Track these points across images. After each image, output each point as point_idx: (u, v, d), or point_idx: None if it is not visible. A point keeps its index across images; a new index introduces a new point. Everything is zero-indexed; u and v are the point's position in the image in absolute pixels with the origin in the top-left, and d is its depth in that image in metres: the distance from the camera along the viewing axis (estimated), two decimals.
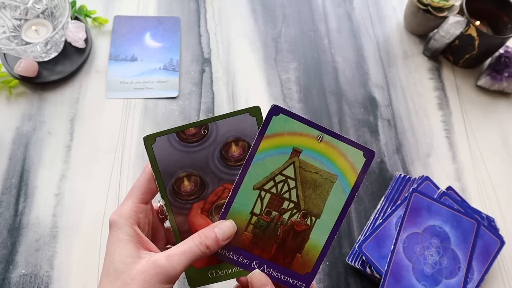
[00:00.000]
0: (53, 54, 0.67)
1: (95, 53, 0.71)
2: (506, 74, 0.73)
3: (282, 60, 0.74)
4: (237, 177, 0.36)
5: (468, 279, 0.55)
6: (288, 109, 0.36)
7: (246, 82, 0.71)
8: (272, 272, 0.36)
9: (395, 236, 0.55)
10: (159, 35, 0.73)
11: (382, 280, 0.53)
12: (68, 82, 0.67)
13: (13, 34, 0.66)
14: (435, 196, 0.59)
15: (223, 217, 0.36)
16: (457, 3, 0.73)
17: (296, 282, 0.36)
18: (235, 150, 0.37)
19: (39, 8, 0.67)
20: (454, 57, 0.76)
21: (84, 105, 0.66)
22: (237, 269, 0.36)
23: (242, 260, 0.36)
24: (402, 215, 0.56)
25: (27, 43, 0.65)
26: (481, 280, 0.55)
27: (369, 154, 0.36)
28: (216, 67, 0.72)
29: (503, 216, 0.64)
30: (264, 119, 0.36)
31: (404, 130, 0.70)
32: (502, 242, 0.58)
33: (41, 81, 0.65)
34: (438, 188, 0.60)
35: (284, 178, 0.36)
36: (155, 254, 0.33)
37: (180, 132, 0.37)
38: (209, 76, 0.71)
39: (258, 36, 0.76)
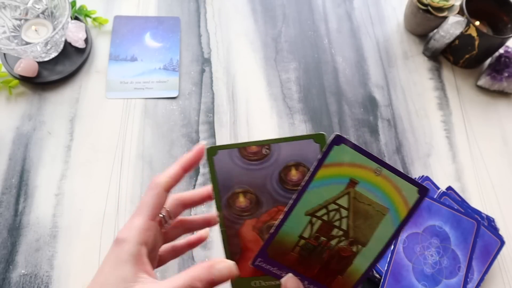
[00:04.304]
0: (53, 54, 0.67)
1: (95, 53, 0.71)
2: (506, 74, 0.73)
3: (282, 60, 0.74)
4: (291, 201, 0.36)
5: (468, 279, 0.55)
6: (348, 139, 0.36)
7: (246, 82, 0.71)
8: None
9: None
10: (159, 35, 0.73)
11: (382, 280, 0.53)
12: (68, 82, 0.67)
13: (13, 34, 0.66)
14: (435, 196, 0.59)
15: (272, 237, 0.36)
16: (457, 3, 0.73)
17: None
18: (294, 174, 0.37)
19: (39, 8, 0.67)
20: (454, 57, 0.76)
21: (84, 105, 0.66)
22: (280, 282, 0.37)
23: (285, 276, 0.37)
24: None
25: (27, 43, 0.65)
26: (481, 280, 0.55)
27: (423, 192, 0.36)
28: (216, 67, 0.72)
29: (503, 216, 0.64)
30: (325, 147, 0.36)
31: (404, 130, 0.70)
32: (502, 242, 0.58)
33: (41, 81, 0.65)
34: (438, 188, 0.60)
35: (337, 207, 0.36)
36: (149, 284, 0.32)
37: (242, 149, 0.37)
38: (209, 76, 0.71)
39: (258, 36, 0.76)
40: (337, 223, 0.36)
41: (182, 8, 0.77)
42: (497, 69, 0.73)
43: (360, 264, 0.37)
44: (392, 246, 0.54)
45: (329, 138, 0.35)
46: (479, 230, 0.56)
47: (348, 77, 0.73)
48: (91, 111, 0.66)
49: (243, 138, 0.66)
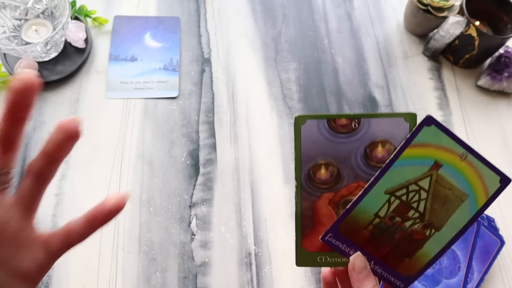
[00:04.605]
0: (53, 54, 0.67)
1: (95, 53, 0.71)
2: (506, 74, 0.72)
3: (282, 60, 0.74)
4: (373, 178, 0.36)
5: (468, 279, 0.55)
6: (439, 121, 0.35)
7: (246, 82, 0.71)
8: (377, 268, 0.36)
9: None
10: (159, 35, 0.73)
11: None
12: (68, 82, 0.67)
13: (13, 34, 0.66)
14: None
15: (348, 212, 0.36)
16: (457, 3, 0.73)
17: (396, 281, 0.37)
18: (380, 151, 0.37)
19: (39, 8, 0.67)
20: (454, 57, 0.76)
21: (84, 105, 0.66)
22: (346, 259, 0.37)
23: (353, 253, 0.37)
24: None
25: (27, 43, 0.65)
26: (481, 280, 0.55)
27: (505, 181, 0.36)
28: (216, 67, 0.72)
29: (503, 216, 0.64)
30: (415, 127, 0.36)
31: None
32: (502, 242, 0.58)
33: (41, 81, 0.65)
34: None
35: (417, 188, 0.36)
36: None
37: (331, 120, 0.36)
38: (209, 76, 0.71)
39: (258, 36, 0.76)
40: (414, 205, 0.36)
41: (182, 8, 0.77)
42: (497, 69, 0.73)
43: (430, 248, 0.36)
44: None
45: (421, 119, 0.35)
46: (479, 230, 0.56)
47: (348, 77, 0.73)
48: (91, 111, 0.66)
49: (243, 138, 0.66)
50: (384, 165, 0.35)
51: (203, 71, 0.71)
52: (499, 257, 0.60)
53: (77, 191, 0.59)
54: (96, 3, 0.74)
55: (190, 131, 0.66)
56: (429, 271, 0.54)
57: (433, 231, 0.36)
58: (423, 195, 0.36)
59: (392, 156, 0.35)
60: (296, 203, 0.37)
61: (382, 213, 0.36)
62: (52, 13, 0.67)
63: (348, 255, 0.36)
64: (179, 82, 0.70)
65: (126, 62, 0.70)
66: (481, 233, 0.57)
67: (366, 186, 0.36)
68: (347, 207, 0.36)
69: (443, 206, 0.36)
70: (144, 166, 0.62)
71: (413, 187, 0.36)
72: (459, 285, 0.54)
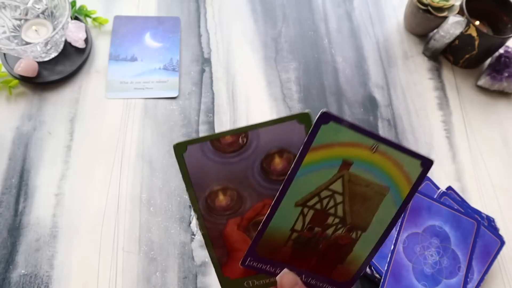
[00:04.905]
0: (53, 54, 0.67)
1: (95, 53, 0.71)
2: (506, 74, 0.73)
3: (282, 60, 0.74)
4: (278, 193, 0.32)
5: (468, 279, 0.55)
6: (338, 115, 0.31)
7: (246, 82, 0.71)
8: (310, 281, 0.34)
9: (395, 236, 0.55)
10: (159, 35, 0.73)
11: (382, 280, 0.53)
12: (68, 82, 0.67)
13: (13, 34, 0.66)
14: (435, 196, 0.59)
15: (260, 235, 0.33)
16: (457, 3, 0.73)
17: None
18: (278, 163, 0.34)
19: (39, 8, 0.67)
20: (454, 57, 0.76)
21: (84, 105, 0.66)
22: (275, 279, 0.34)
23: (280, 271, 0.34)
24: (402, 215, 0.56)
25: (27, 43, 0.65)
26: (481, 280, 0.55)
27: (426, 164, 0.32)
28: (216, 67, 0.72)
29: (503, 216, 0.64)
30: (311, 128, 0.31)
31: (404, 130, 0.70)
32: (502, 242, 0.58)
33: (41, 81, 0.65)
34: (438, 188, 0.60)
35: (330, 193, 0.32)
36: None
37: (214, 141, 0.33)
38: (209, 76, 0.71)
39: (258, 36, 0.76)
40: (332, 211, 0.33)
41: (182, 8, 0.77)
42: (497, 69, 0.73)
43: (361, 250, 0.34)
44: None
45: (316, 117, 0.31)
46: (479, 230, 0.57)
47: (348, 77, 0.73)
48: (91, 111, 0.66)
49: None
50: (286, 177, 0.32)
51: (203, 71, 0.71)
52: (499, 257, 0.60)
53: (77, 191, 0.59)
54: (96, 3, 0.74)
55: (190, 131, 0.66)
56: (429, 271, 0.54)
57: (359, 232, 0.34)
58: (339, 198, 0.33)
59: (293, 165, 0.31)
60: (203, 235, 0.34)
61: (298, 227, 0.33)
62: (52, 13, 0.67)
63: (275, 275, 0.34)
64: (179, 82, 0.70)
65: (126, 62, 0.70)
66: (481, 233, 0.57)
67: (272, 203, 0.32)
68: (259, 228, 0.33)
69: (364, 205, 0.33)
70: (144, 166, 0.62)
71: (325, 193, 0.32)
72: (459, 285, 0.54)
